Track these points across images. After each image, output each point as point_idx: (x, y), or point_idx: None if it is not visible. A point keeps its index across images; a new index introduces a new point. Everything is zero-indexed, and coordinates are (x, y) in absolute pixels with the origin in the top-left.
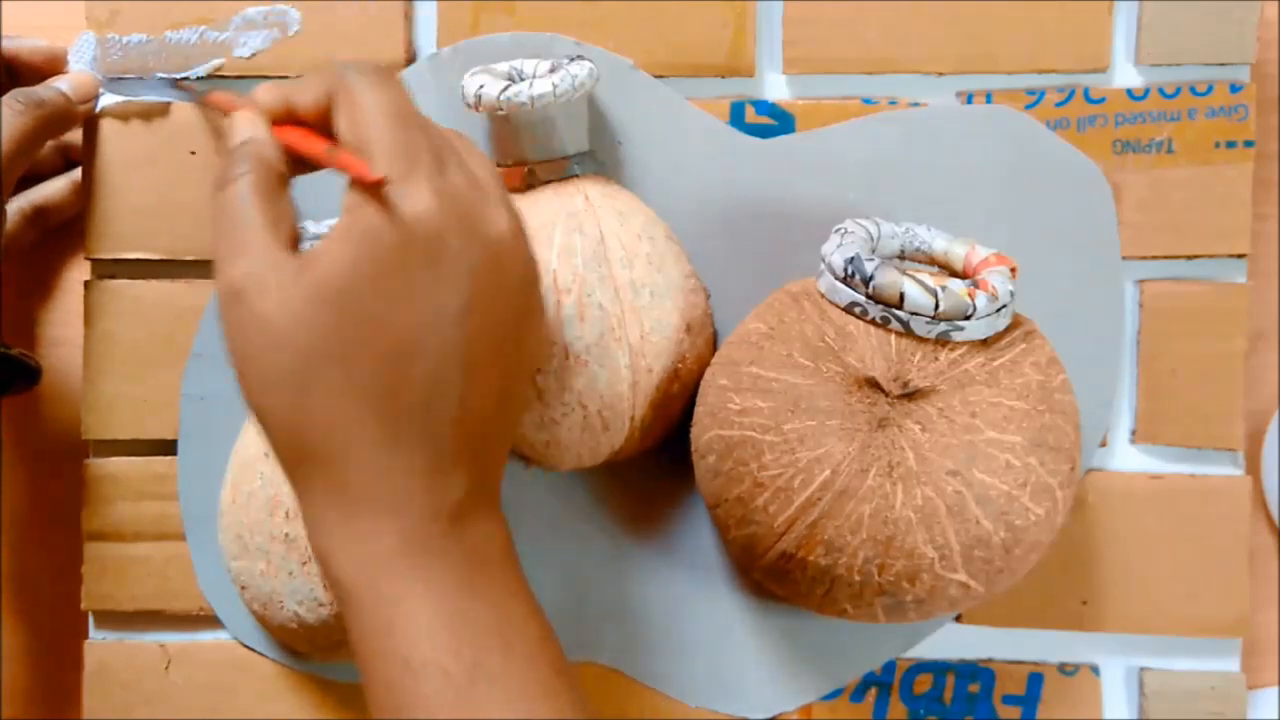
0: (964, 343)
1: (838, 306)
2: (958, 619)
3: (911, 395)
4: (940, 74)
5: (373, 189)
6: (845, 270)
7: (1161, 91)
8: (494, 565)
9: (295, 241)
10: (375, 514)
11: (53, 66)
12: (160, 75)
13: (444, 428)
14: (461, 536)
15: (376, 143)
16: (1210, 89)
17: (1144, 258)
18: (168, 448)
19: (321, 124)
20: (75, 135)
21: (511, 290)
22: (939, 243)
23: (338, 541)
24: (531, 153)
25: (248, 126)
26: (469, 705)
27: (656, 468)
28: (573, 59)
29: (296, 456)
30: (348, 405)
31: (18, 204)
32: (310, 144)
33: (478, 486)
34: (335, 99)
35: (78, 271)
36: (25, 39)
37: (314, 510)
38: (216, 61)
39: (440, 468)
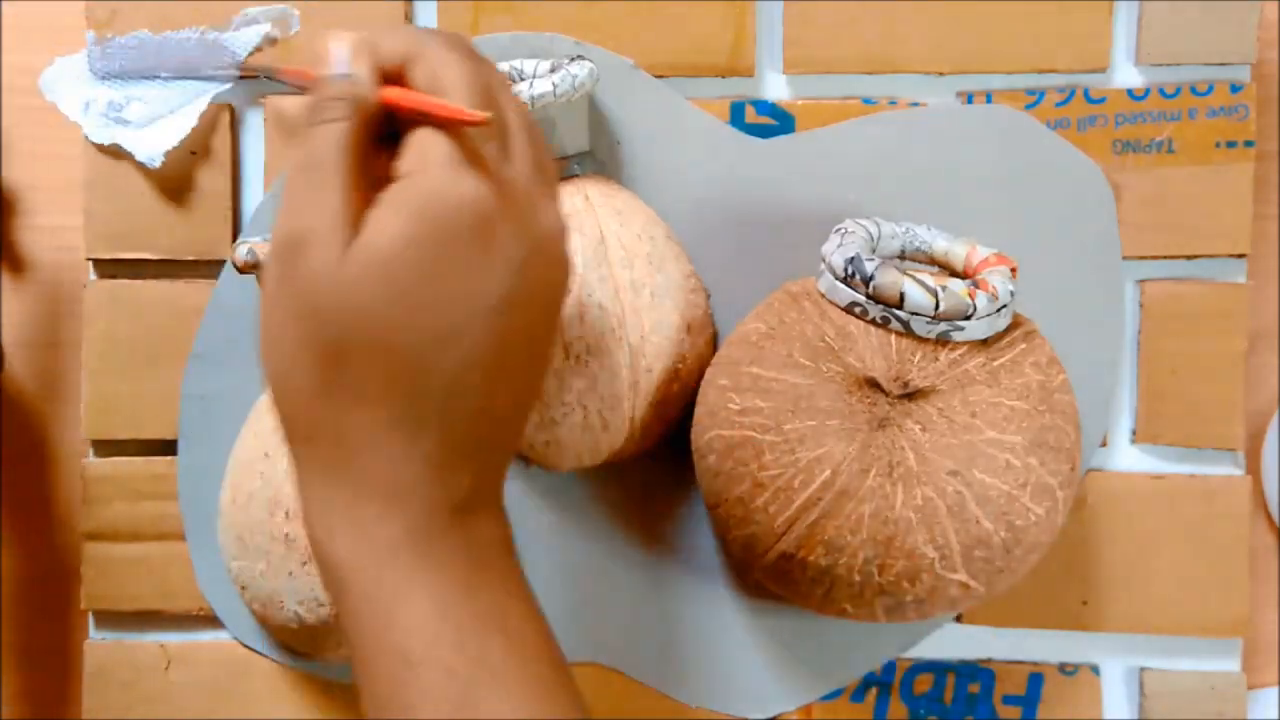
0: (964, 343)
1: (838, 306)
2: (958, 619)
3: (911, 395)
4: (940, 74)
5: (462, 137)
6: (845, 270)
7: (1162, 91)
8: (496, 564)
9: (366, 206)
10: (383, 501)
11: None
12: (163, 75)
13: (462, 420)
14: (466, 533)
15: (455, 98)
16: (1210, 89)
17: (1144, 258)
18: (168, 448)
19: (394, 81)
20: None
21: (551, 289)
22: (939, 243)
23: (339, 524)
24: None
25: (350, 59)
26: (471, 702)
27: (656, 468)
28: (573, 59)
29: (305, 430)
30: (372, 384)
31: None
32: (406, 94)
33: (484, 485)
34: (412, 58)
35: (78, 272)
36: None
37: (315, 489)
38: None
39: (451, 461)
